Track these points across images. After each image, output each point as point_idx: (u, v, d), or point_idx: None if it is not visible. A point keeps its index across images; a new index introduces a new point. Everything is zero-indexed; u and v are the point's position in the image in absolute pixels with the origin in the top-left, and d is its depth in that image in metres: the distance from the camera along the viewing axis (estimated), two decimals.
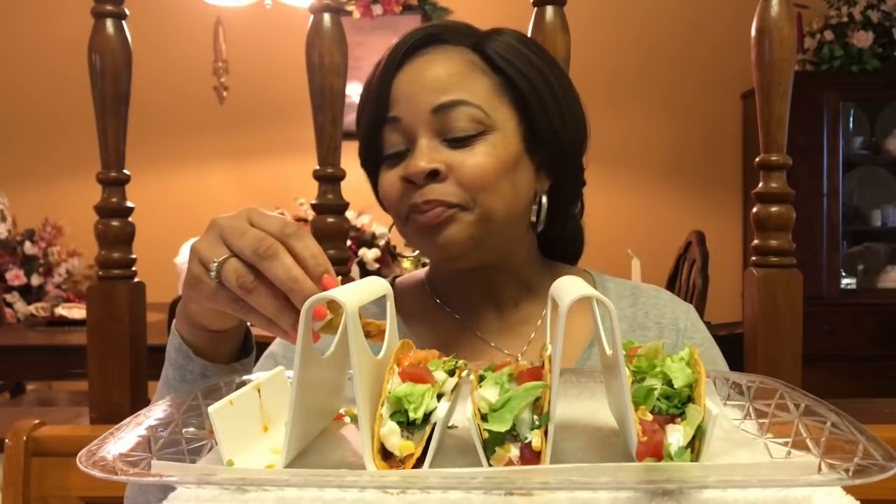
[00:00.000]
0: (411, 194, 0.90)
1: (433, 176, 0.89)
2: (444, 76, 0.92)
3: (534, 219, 0.97)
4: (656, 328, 1.00)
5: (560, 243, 1.06)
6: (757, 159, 1.27)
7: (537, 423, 0.57)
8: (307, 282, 0.68)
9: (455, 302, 1.02)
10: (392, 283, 1.07)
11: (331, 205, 1.33)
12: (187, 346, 0.83)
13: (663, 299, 1.04)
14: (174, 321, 0.84)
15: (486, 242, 0.92)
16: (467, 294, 1.00)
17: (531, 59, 0.96)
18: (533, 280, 1.00)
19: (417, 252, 1.03)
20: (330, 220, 1.33)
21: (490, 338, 0.99)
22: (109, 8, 1.30)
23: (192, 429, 0.67)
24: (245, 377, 0.76)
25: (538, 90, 0.94)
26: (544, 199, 0.97)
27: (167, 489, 0.57)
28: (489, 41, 0.95)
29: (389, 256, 3.56)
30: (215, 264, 0.70)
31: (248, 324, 0.80)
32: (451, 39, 0.95)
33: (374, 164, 0.97)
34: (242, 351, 0.88)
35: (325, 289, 0.66)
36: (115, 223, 1.31)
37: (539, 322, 0.99)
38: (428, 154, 0.90)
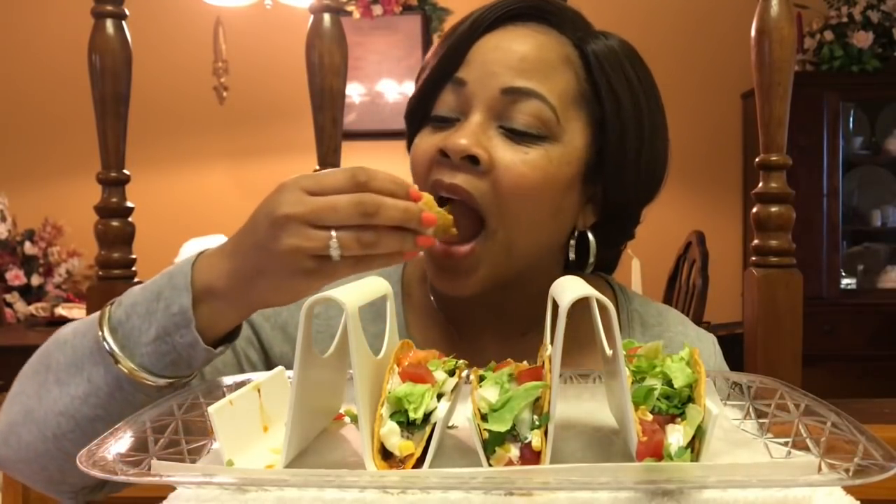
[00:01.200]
0: (441, 170, 0.80)
1: (472, 161, 0.79)
2: (531, 58, 0.81)
3: (572, 256, 0.87)
4: None
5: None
6: (757, 159, 1.27)
7: (537, 423, 0.57)
8: (412, 205, 0.66)
9: (457, 318, 0.91)
10: (402, 272, 0.96)
11: None
12: (193, 314, 0.70)
13: (690, 336, 0.94)
14: (198, 292, 0.71)
15: (502, 276, 0.82)
16: (470, 313, 0.90)
17: (629, 79, 0.85)
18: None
19: None
20: None
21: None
22: (109, 8, 1.30)
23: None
24: (245, 377, 0.76)
25: (623, 116, 0.83)
26: (591, 238, 0.87)
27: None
28: (594, 41, 0.85)
29: None
30: (335, 246, 0.65)
31: None
32: (557, 24, 0.85)
33: (419, 120, 0.86)
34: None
35: (416, 199, 0.68)
36: (115, 223, 1.31)
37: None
38: (475, 134, 0.79)
